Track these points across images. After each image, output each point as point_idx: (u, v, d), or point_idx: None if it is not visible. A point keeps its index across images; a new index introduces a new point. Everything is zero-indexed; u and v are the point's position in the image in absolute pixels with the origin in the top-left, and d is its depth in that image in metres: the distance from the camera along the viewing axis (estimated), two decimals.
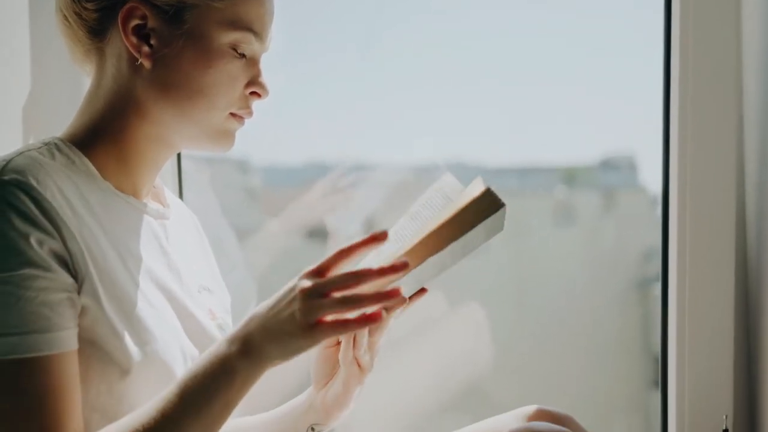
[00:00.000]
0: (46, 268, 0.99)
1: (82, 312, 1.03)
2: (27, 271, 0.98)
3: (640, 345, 2.26)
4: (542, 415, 1.26)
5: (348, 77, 2.16)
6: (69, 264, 1.01)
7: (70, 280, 1.01)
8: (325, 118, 2.16)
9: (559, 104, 2.18)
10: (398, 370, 1.82)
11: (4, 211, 0.99)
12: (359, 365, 1.21)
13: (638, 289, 2.27)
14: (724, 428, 1.40)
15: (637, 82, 2.11)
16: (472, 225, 1.04)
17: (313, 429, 1.29)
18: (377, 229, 1.01)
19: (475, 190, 1.05)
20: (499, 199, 1.04)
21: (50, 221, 1.00)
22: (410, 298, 1.16)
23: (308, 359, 1.28)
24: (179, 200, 1.35)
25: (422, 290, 1.17)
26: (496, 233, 1.14)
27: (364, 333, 1.17)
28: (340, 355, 1.20)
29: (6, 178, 1.01)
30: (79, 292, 1.02)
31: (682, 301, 1.49)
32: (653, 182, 2.37)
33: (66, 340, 1.00)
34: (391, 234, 1.16)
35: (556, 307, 2.20)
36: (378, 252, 1.16)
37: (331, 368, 1.25)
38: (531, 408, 1.29)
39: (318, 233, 2.36)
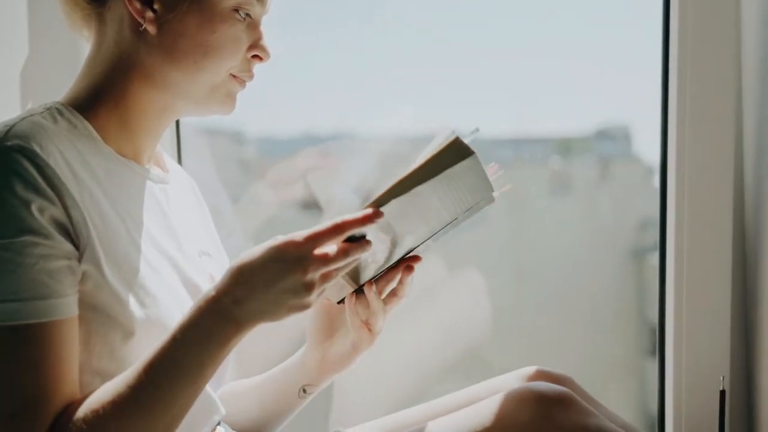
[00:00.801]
0: (47, 236, 0.99)
1: (84, 278, 1.03)
2: (27, 238, 0.98)
3: (635, 313, 2.28)
4: (542, 375, 1.28)
5: (343, 49, 2.16)
6: (70, 231, 1.01)
7: (70, 247, 1.01)
8: (320, 90, 2.16)
9: (555, 75, 2.18)
10: (399, 335, 1.83)
11: (7, 178, 0.99)
12: (369, 329, 1.23)
13: (634, 258, 2.28)
14: (721, 389, 1.41)
15: (633, 51, 2.11)
16: (439, 171, 1.05)
17: (304, 390, 1.30)
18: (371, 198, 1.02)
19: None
20: (468, 147, 1.05)
21: (52, 188, 1.00)
22: (408, 266, 1.19)
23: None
24: (178, 165, 1.35)
25: (416, 258, 1.21)
26: (485, 196, 1.15)
27: (371, 298, 1.20)
28: (349, 321, 1.23)
29: (9, 143, 1.00)
30: (80, 259, 1.02)
31: (680, 265, 1.50)
32: (648, 152, 2.38)
33: (65, 307, 1.00)
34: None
35: (552, 276, 2.21)
36: None
37: (329, 328, 1.28)
38: (530, 369, 1.30)
39: (311, 204, 2.37)
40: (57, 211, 1.00)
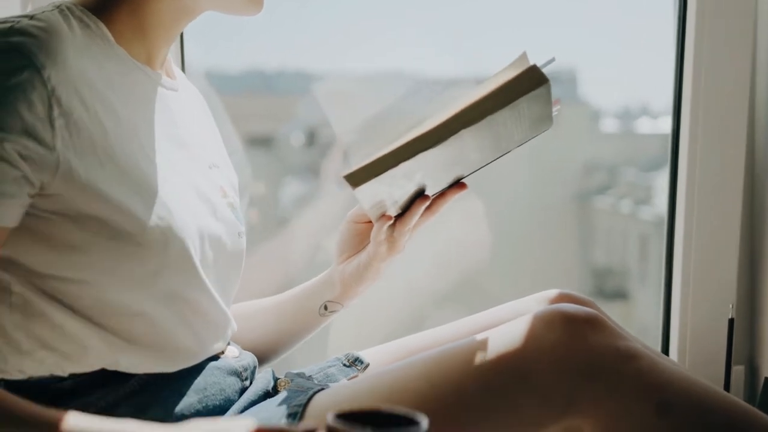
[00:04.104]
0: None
1: (80, 190, 0.95)
2: None
3: (578, 256, 2.30)
4: (565, 298, 1.25)
5: None
6: (45, 147, 0.92)
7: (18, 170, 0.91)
8: (267, 26, 2.09)
9: (499, 16, 2.17)
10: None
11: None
12: (390, 244, 1.18)
13: (579, 202, 2.30)
14: (730, 317, 1.42)
15: None
16: (514, 98, 1.01)
17: (326, 308, 1.27)
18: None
19: (521, 66, 1.02)
20: (544, 75, 1.01)
21: (42, 102, 0.91)
22: (449, 190, 1.16)
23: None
24: (184, 75, 1.27)
25: (462, 185, 1.18)
26: (545, 127, 1.12)
27: (416, 214, 1.15)
28: (373, 233, 1.19)
29: (14, 40, 0.91)
30: (61, 174, 0.93)
31: (690, 195, 1.50)
32: (594, 96, 2.40)
33: None
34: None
35: (498, 219, 2.20)
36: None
37: (358, 243, 1.26)
38: (553, 292, 1.28)
39: (259, 141, 2.29)
40: (34, 122, 0.91)
